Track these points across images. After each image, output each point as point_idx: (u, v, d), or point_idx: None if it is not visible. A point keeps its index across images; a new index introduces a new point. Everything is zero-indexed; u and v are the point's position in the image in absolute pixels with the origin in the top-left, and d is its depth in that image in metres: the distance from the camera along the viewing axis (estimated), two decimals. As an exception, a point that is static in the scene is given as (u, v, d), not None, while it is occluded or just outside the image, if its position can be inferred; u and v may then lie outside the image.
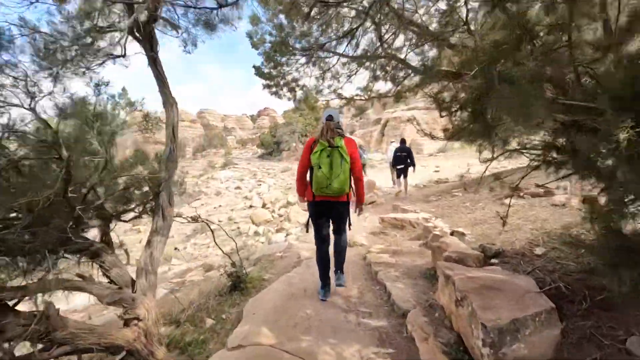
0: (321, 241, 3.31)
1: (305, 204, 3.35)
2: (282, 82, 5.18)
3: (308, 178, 3.23)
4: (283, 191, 16.96)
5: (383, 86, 5.69)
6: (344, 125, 3.52)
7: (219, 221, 12.72)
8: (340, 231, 3.35)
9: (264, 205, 13.09)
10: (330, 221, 3.29)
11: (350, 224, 3.35)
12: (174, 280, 6.67)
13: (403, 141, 11.03)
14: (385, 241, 5.57)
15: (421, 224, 5.63)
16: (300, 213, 8.38)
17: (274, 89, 5.32)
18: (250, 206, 14.78)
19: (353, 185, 3.20)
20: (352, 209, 3.34)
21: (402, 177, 10.48)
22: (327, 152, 2.94)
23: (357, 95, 5.29)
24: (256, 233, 9.42)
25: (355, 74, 5.06)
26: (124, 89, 5.82)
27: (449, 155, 23.28)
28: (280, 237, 6.87)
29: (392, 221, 5.92)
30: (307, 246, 5.61)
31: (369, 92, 5.18)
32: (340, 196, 3.08)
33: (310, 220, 3.30)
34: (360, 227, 7.18)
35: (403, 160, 10.30)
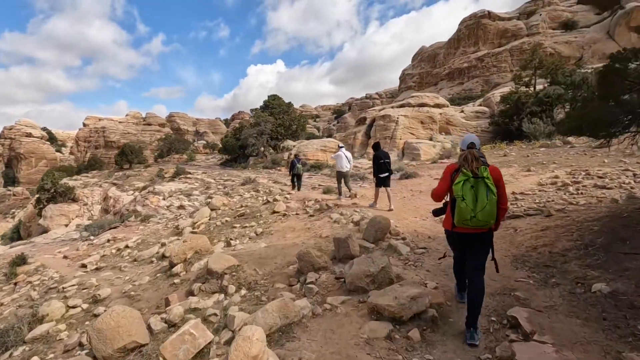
0: (457, 264, 3.30)
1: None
2: None
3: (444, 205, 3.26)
4: (228, 222, 10.20)
5: None
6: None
7: (67, 311, 5.83)
8: (478, 268, 3.00)
9: (171, 267, 6.33)
10: (467, 254, 3.10)
11: (496, 268, 3.10)
12: None
13: (378, 146, 9.00)
14: None
15: None
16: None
17: None
18: (163, 256, 8.00)
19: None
20: None
21: (382, 186, 8.50)
22: (470, 183, 2.76)
23: None
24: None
25: None
26: None
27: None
28: None
29: None
30: None
31: None
32: (484, 228, 2.87)
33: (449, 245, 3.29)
34: None
35: (387, 167, 8.42)
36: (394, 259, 5.03)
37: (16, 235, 25.51)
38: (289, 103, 29.06)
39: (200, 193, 18.84)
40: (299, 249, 6.16)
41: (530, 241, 5.09)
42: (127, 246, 10.15)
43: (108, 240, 11.53)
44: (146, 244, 10.17)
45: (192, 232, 10.35)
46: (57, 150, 73.40)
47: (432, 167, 16.87)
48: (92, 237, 12.67)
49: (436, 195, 3.17)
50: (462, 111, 24.88)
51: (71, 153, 73.29)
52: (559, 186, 9.10)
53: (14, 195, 46.87)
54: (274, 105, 27.54)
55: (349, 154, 10.09)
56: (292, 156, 24.54)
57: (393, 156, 22.35)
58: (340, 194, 10.42)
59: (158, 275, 6.40)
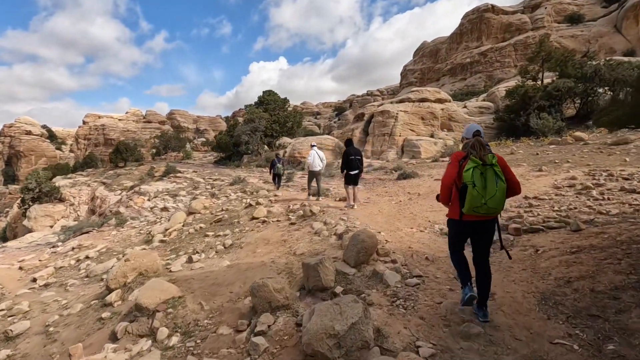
0: (459, 252, 3.03)
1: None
2: None
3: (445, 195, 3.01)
4: (202, 229, 8.95)
5: None
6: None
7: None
8: (484, 256, 2.97)
9: (109, 293, 5.07)
10: (473, 243, 2.99)
11: (508, 255, 3.03)
12: None
13: (350, 142, 8.57)
14: None
15: None
16: None
17: None
18: (108, 288, 6.72)
19: None
20: None
21: (351, 185, 8.07)
22: (480, 170, 2.69)
23: None
24: None
25: None
26: None
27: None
28: None
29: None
30: None
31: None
32: (493, 215, 2.78)
33: (451, 238, 3.09)
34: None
35: (357, 165, 8.03)
36: (378, 293, 3.75)
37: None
38: (285, 99, 27.61)
39: (187, 193, 17.60)
40: (265, 272, 4.93)
41: (560, 269, 3.80)
42: (87, 257, 8.93)
43: (73, 248, 10.32)
44: (109, 254, 8.95)
45: (162, 240, 9.17)
46: (57, 148, 72.54)
47: (433, 165, 15.52)
48: (58, 244, 11.48)
49: (448, 177, 2.90)
50: (465, 106, 23.44)
51: (71, 151, 72.39)
52: (579, 189, 7.75)
53: (10, 193, 45.95)
54: (268, 101, 26.11)
55: (321, 154, 9.92)
56: (285, 155, 23.26)
57: (392, 154, 20.99)
58: (309, 194, 10.14)
59: (92, 303, 5.15)
